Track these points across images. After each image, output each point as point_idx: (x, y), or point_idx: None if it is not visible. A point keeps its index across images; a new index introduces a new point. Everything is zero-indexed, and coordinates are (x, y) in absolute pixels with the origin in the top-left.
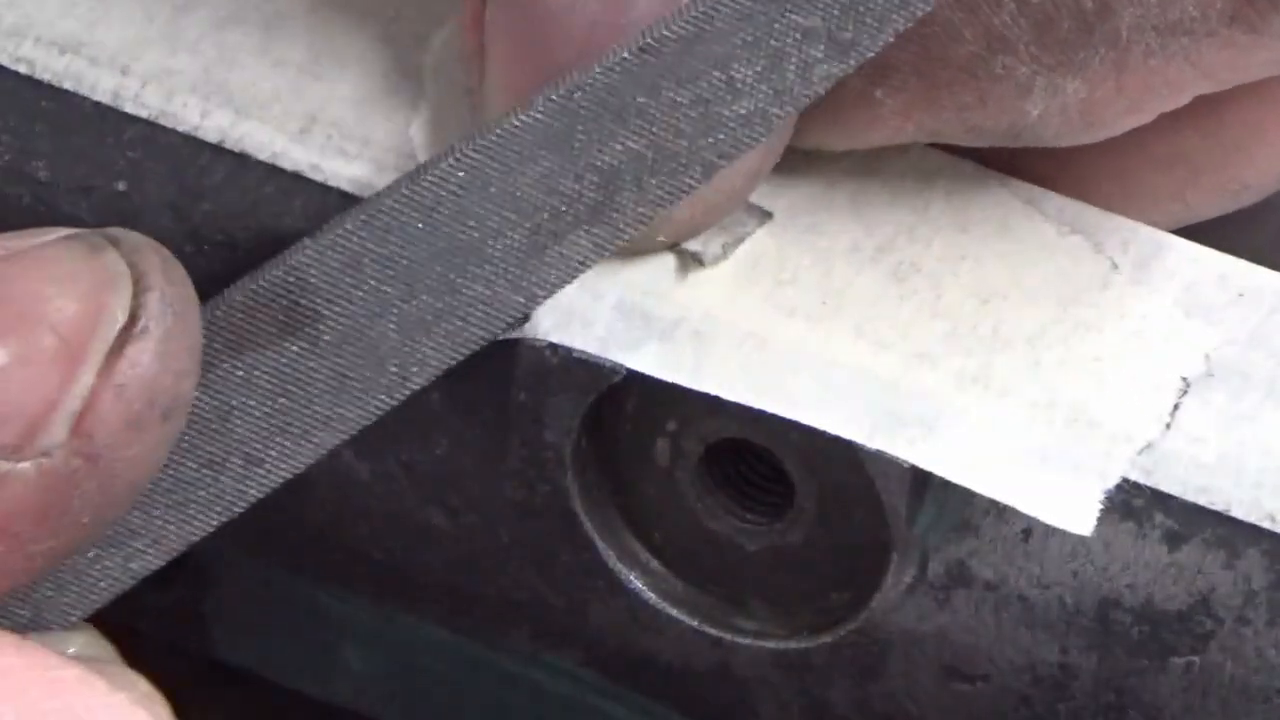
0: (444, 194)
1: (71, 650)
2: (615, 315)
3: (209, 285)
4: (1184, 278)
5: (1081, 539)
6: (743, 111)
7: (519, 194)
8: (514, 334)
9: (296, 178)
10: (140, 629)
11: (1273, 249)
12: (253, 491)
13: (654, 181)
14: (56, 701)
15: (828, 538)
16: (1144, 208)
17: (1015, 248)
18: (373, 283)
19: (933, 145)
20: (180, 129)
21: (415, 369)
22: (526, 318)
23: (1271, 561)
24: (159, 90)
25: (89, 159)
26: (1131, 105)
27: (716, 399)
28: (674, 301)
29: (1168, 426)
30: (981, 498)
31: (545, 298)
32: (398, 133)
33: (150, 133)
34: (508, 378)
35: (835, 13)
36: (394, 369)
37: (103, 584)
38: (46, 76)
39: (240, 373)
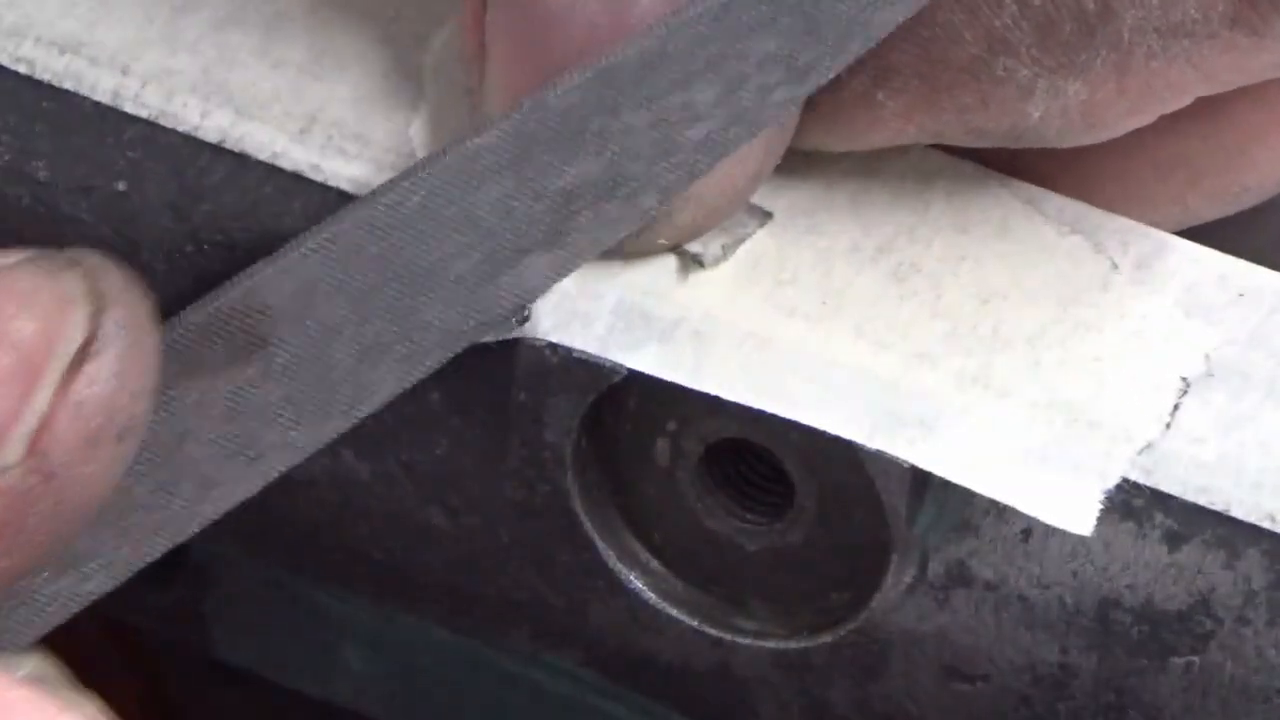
0: (399, 217)
1: (22, 672)
2: (615, 315)
3: (209, 285)
4: (1184, 278)
5: (1081, 539)
6: (700, 135)
7: (475, 217)
8: (514, 334)
9: (296, 178)
10: (140, 629)
11: (1273, 249)
12: (205, 515)
13: (611, 205)
14: None
15: (828, 538)
16: (1144, 210)
17: (1015, 248)
18: (327, 306)
19: (933, 146)
20: (180, 129)
21: (368, 394)
22: (527, 318)
23: (1271, 561)
24: (159, 90)
25: (89, 159)
26: (1133, 107)
27: (716, 399)
28: (674, 302)
29: (1168, 426)
30: (981, 498)
31: (501, 321)
32: (398, 133)
33: (150, 133)
34: (508, 378)
35: (793, 37)
36: (347, 394)
37: (54, 606)
38: (46, 76)
39: (195, 395)
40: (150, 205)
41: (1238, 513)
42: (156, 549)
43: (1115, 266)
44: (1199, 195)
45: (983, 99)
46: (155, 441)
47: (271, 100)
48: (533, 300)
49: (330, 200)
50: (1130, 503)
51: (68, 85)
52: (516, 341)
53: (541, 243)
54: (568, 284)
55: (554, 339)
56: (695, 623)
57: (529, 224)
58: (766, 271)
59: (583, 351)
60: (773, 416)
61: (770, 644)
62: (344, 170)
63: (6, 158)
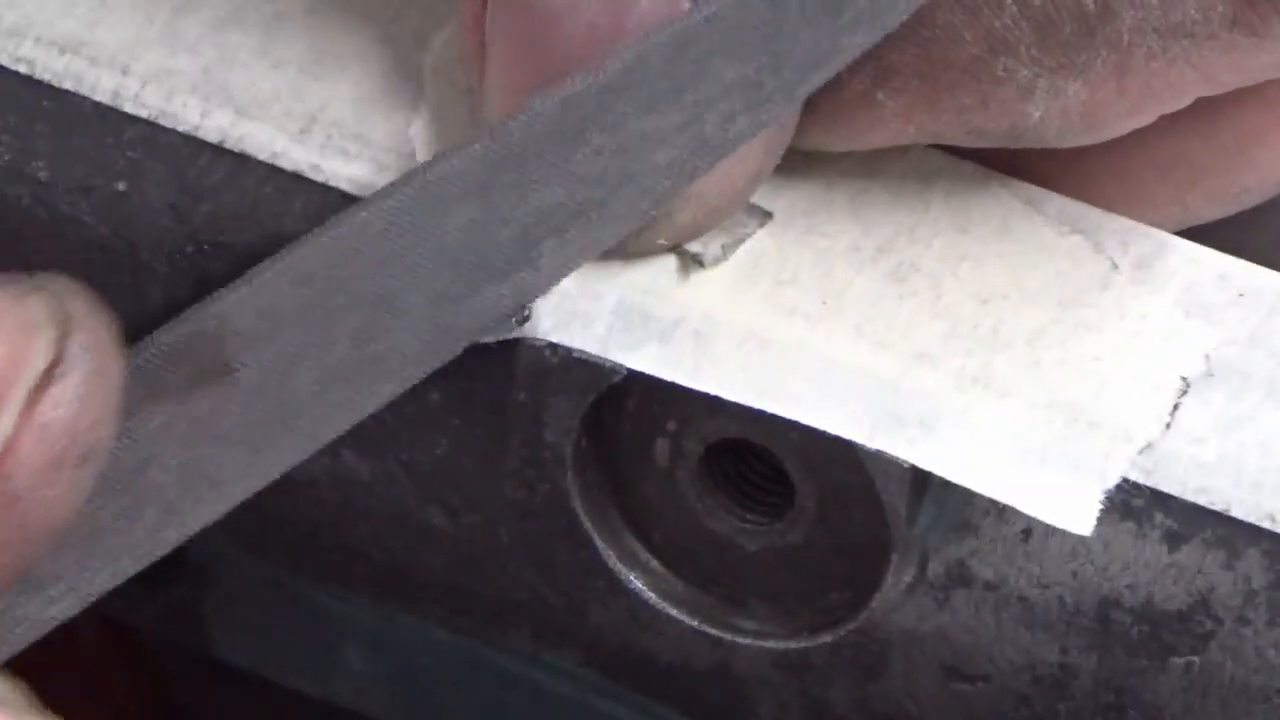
0: (363, 244)
1: None
2: (615, 315)
3: (209, 285)
4: (1184, 278)
5: (1081, 539)
6: (663, 161)
7: (440, 244)
8: (514, 334)
9: (296, 178)
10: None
11: (1273, 249)
12: (169, 539)
13: (576, 231)
14: None
15: (828, 538)
16: (1144, 210)
17: (1015, 248)
18: (291, 332)
19: (933, 146)
20: (180, 129)
21: (331, 420)
22: (527, 318)
23: (1271, 561)
24: (159, 90)
25: (89, 159)
26: (1132, 107)
27: (716, 399)
28: (674, 302)
29: (1168, 426)
30: (981, 498)
31: (464, 347)
32: (398, 133)
33: (150, 133)
34: (508, 378)
35: (756, 65)
36: (310, 419)
37: (18, 630)
38: (46, 76)
39: (159, 419)
40: (150, 205)
41: (1238, 513)
42: (122, 572)
43: (1115, 266)
44: (1199, 195)
45: (983, 99)
46: (119, 465)
47: (271, 100)
48: (495, 327)
49: (330, 200)
50: (1130, 503)
51: (68, 85)
52: (516, 341)
53: (506, 269)
54: (568, 284)
55: (554, 339)
56: (695, 623)
57: (494, 251)
58: (766, 271)
59: (583, 351)
60: (773, 416)
61: (770, 644)
62: (344, 170)
63: (6, 158)
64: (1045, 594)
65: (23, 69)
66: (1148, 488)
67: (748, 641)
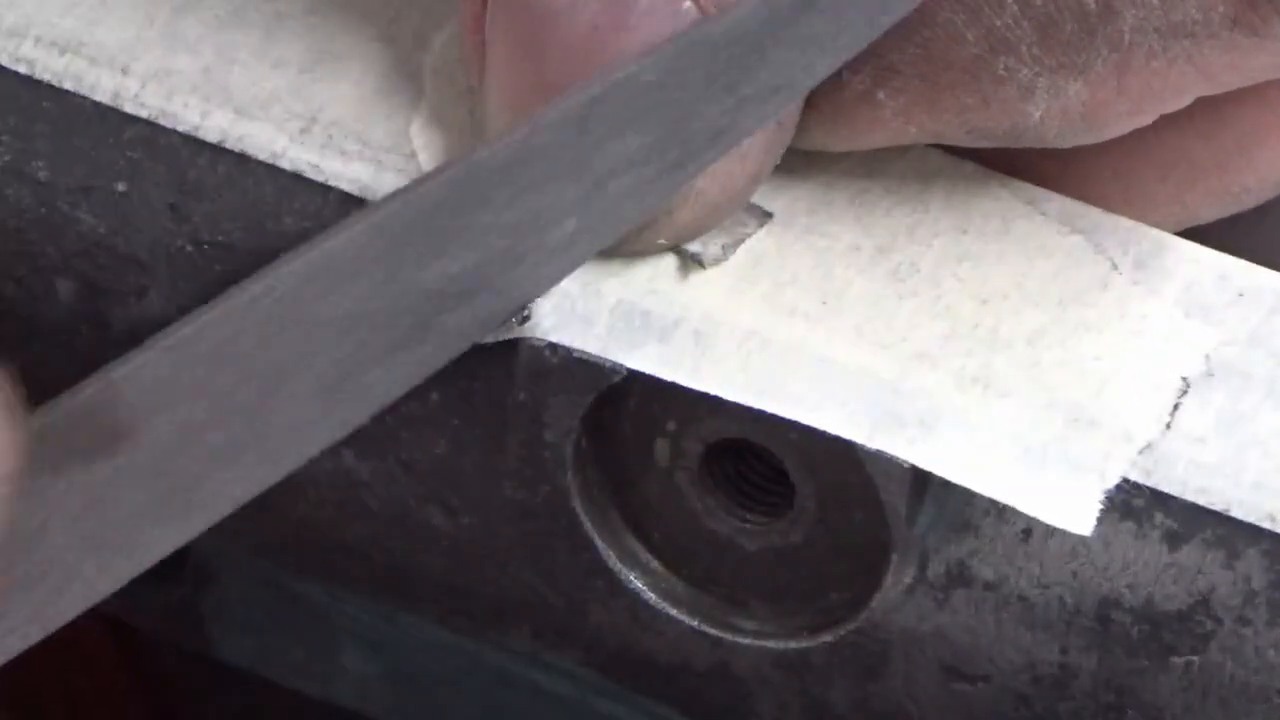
0: (259, 315)
1: None
2: (615, 315)
3: (209, 285)
4: (1184, 278)
5: (1081, 539)
6: (567, 231)
7: (336, 316)
8: (514, 334)
9: (296, 178)
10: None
11: (1273, 249)
12: (71, 607)
13: (476, 303)
14: None
15: (828, 538)
16: (1144, 210)
17: (1015, 248)
18: (186, 404)
19: (933, 146)
20: (180, 129)
21: (227, 492)
22: (527, 318)
23: (1271, 561)
24: (159, 90)
25: (89, 159)
26: (1133, 107)
27: (716, 399)
28: (674, 301)
29: (1168, 426)
30: (981, 498)
31: (363, 421)
32: (398, 133)
33: (150, 133)
34: (508, 378)
35: (659, 137)
36: (207, 492)
37: None
38: (46, 76)
39: (57, 487)
40: (150, 205)
41: (1238, 513)
42: (20, 642)
43: (1115, 266)
44: (1198, 195)
45: (983, 99)
46: (16, 532)
47: (271, 100)
48: (397, 397)
49: (331, 200)
50: (1130, 503)
51: (68, 85)
52: (516, 341)
53: (404, 342)
54: (568, 284)
55: (554, 339)
56: (695, 623)
57: (390, 323)
58: (766, 271)
59: (583, 351)
60: (773, 416)
61: (770, 644)
62: (344, 170)
63: (6, 158)
64: (1045, 594)
65: (23, 69)
66: (1148, 488)
67: (748, 641)
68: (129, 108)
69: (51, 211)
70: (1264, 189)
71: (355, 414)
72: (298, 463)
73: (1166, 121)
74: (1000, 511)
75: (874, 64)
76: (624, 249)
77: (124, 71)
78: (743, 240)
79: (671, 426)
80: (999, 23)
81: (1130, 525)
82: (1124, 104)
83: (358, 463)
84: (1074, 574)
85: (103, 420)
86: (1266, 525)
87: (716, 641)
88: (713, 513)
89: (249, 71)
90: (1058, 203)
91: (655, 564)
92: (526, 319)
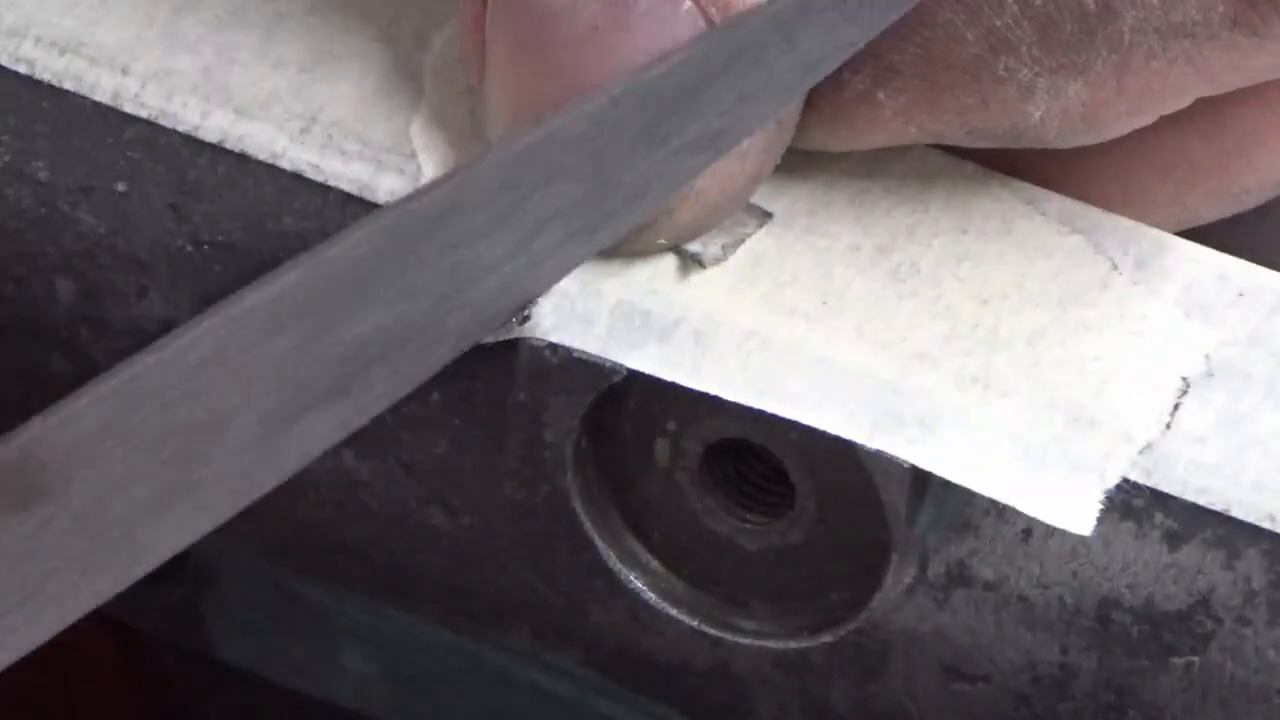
0: (185, 369)
1: None
2: (615, 315)
3: (208, 285)
4: (1184, 278)
5: (1081, 539)
6: (493, 285)
7: (263, 369)
8: (514, 334)
9: (296, 178)
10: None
11: (1273, 249)
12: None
13: (403, 356)
14: None
15: (828, 538)
16: (1144, 210)
17: (1015, 248)
18: (110, 459)
19: (933, 146)
20: (180, 129)
21: (161, 543)
22: (527, 318)
23: (1271, 561)
24: (159, 90)
25: (89, 159)
26: (1133, 107)
27: (716, 399)
28: (674, 301)
29: (1168, 426)
30: (981, 498)
31: (291, 473)
32: (398, 133)
33: (150, 133)
34: (508, 378)
35: (585, 192)
36: (134, 546)
37: None
38: (46, 76)
39: None
40: (150, 205)
41: (1238, 513)
42: None
43: (1115, 266)
44: (1198, 196)
45: (983, 99)
46: None
47: (271, 100)
48: (322, 451)
49: (331, 200)
50: (1130, 503)
51: (68, 85)
52: (516, 341)
53: (330, 395)
54: (568, 284)
55: (554, 339)
56: (695, 623)
57: (316, 377)
58: (766, 271)
59: (583, 351)
60: (773, 416)
61: (770, 644)
62: (344, 170)
63: (6, 158)
64: (1045, 594)
65: (23, 69)
66: (1148, 488)
67: (748, 641)
68: (129, 108)
69: (51, 211)
70: (1264, 189)
71: (289, 463)
72: (232, 511)
73: (1166, 122)
74: (1000, 511)
75: (874, 64)
76: (624, 249)
77: (124, 71)
78: (743, 240)
79: (671, 426)
80: (999, 23)
81: (1130, 525)
82: (1124, 104)
83: (358, 463)
84: (1074, 574)
85: (21, 479)
86: (1266, 525)
87: (716, 641)
88: (713, 513)
89: (249, 71)
90: (1058, 203)
91: (655, 564)
92: (526, 319)
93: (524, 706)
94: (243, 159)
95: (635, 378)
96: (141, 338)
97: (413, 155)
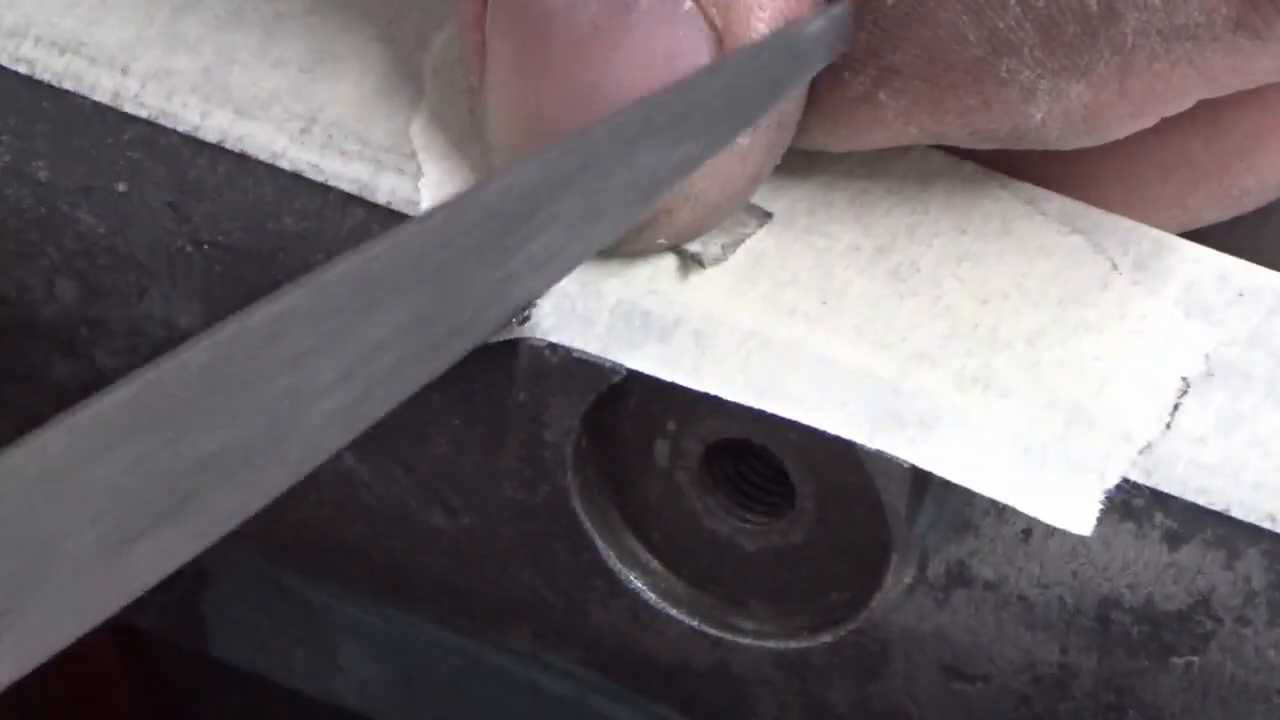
0: (13, 489)
1: None
2: (615, 315)
3: (208, 285)
4: (1184, 278)
5: (1081, 539)
6: (327, 408)
7: (94, 491)
8: (514, 334)
9: (296, 178)
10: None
11: (1273, 249)
12: None
13: (243, 476)
14: None
15: (828, 538)
16: (1145, 212)
17: (1015, 248)
18: None
19: (933, 146)
20: (180, 129)
21: (5, 662)
22: (527, 318)
23: (1271, 561)
24: (159, 90)
25: (89, 159)
26: (1135, 109)
27: (716, 399)
28: (674, 301)
29: (1168, 426)
30: (981, 498)
31: (136, 595)
32: (398, 133)
33: (150, 133)
34: (508, 378)
35: (428, 309)
36: None
37: None
38: (46, 76)
39: None
40: (150, 205)
41: (1238, 513)
42: None
43: (1115, 266)
44: (1199, 198)
45: (985, 100)
46: None
47: (271, 100)
48: (166, 574)
49: (331, 200)
50: (1130, 503)
51: (68, 85)
52: (516, 341)
53: (169, 515)
54: (568, 284)
55: (554, 339)
56: (695, 623)
57: (155, 497)
58: (766, 271)
59: (583, 351)
60: (773, 416)
61: (770, 644)
62: (344, 170)
63: (6, 158)
64: (1045, 594)
65: (23, 69)
66: (1148, 488)
67: (748, 641)
68: (129, 108)
69: (51, 211)
70: (1265, 191)
71: (129, 588)
72: (73, 636)
73: (1168, 124)
74: (1000, 511)
75: (875, 65)
76: (624, 249)
77: (124, 71)
78: (743, 240)
79: (671, 426)
80: (1001, 24)
81: (1130, 525)
82: (1126, 106)
83: (358, 463)
84: (1074, 574)
85: None
86: (1266, 525)
87: (716, 641)
88: (713, 513)
89: (249, 71)
90: (1058, 203)
91: (655, 564)
92: (526, 319)
93: (524, 706)
94: (243, 159)
95: (635, 378)
96: (141, 338)
97: (413, 155)
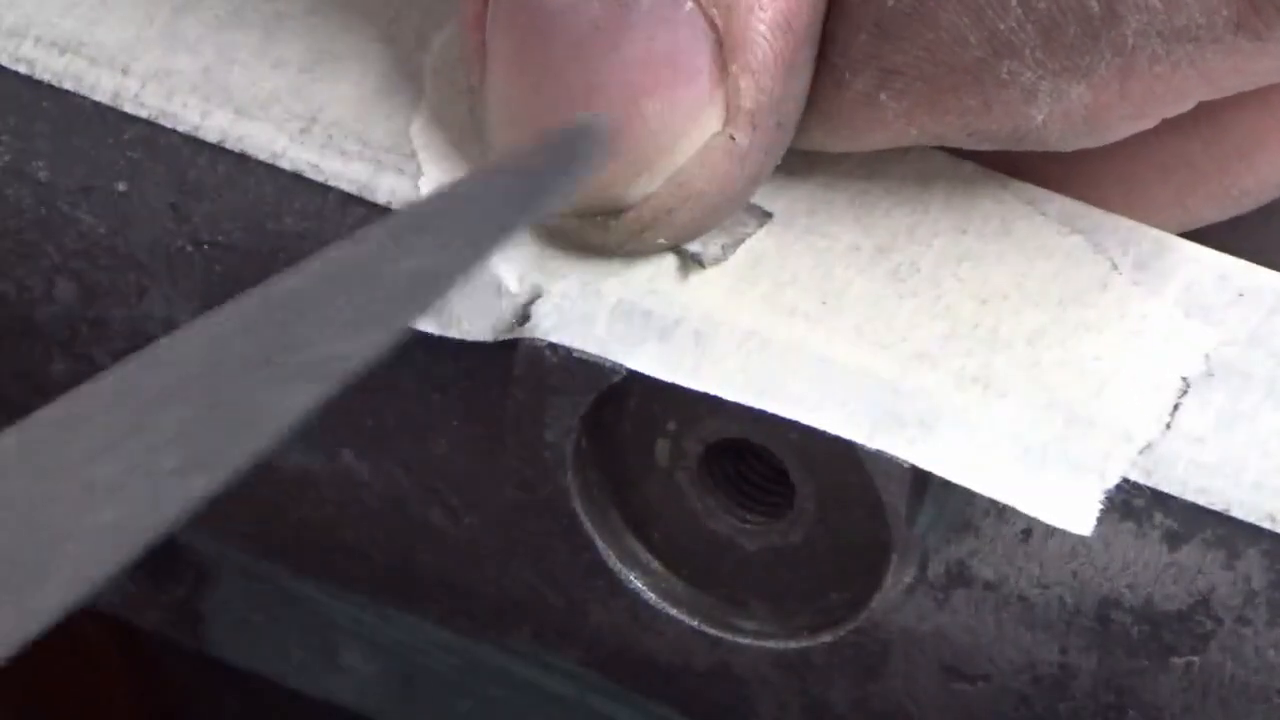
0: None
1: None
2: (615, 315)
3: (208, 285)
4: (1184, 278)
5: (1081, 539)
6: (107, 519)
7: None
8: (514, 334)
9: (296, 178)
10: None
11: (1273, 249)
12: None
13: (18, 586)
14: None
15: (828, 538)
16: (1145, 212)
17: (1015, 248)
18: None
19: (933, 146)
20: (180, 129)
21: None
22: (527, 318)
23: (1271, 561)
24: (159, 90)
25: (89, 159)
26: (1135, 111)
27: (716, 399)
28: (674, 301)
29: (1168, 426)
30: (981, 498)
31: None
32: (398, 133)
33: (150, 133)
34: (508, 378)
35: (197, 417)
36: None
37: None
38: (46, 76)
39: None
40: (150, 205)
41: (1238, 513)
42: None
43: (1115, 266)
44: (1199, 198)
45: (986, 102)
46: None
47: (271, 100)
48: None
49: (331, 200)
50: (1130, 503)
51: (68, 85)
52: (516, 341)
53: None
54: (568, 284)
55: (554, 339)
56: (695, 623)
57: None
58: (766, 271)
59: (583, 351)
60: (773, 416)
61: (770, 644)
62: (344, 170)
63: (6, 158)
64: (1045, 594)
65: (23, 69)
66: (1148, 488)
67: (748, 641)
68: (129, 108)
69: (51, 211)
70: (1265, 192)
71: None
72: None
73: (1168, 125)
74: (1000, 511)
75: (876, 66)
76: (624, 249)
77: (124, 71)
78: (743, 240)
79: (671, 426)
80: (1002, 26)
81: (1130, 525)
82: (1127, 108)
83: (358, 463)
84: (1074, 574)
85: None
86: (1266, 525)
87: (716, 641)
88: (713, 513)
89: (249, 71)
90: (1058, 203)
91: (655, 564)
92: (527, 319)
93: (524, 706)
94: (243, 159)
95: (635, 378)
96: (141, 338)
97: (413, 155)
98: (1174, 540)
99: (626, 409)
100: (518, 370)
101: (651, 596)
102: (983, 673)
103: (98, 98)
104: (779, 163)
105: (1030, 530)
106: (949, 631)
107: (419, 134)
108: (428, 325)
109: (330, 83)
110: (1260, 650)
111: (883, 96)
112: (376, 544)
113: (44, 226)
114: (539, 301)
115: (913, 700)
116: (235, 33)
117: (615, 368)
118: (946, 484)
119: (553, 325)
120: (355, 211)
